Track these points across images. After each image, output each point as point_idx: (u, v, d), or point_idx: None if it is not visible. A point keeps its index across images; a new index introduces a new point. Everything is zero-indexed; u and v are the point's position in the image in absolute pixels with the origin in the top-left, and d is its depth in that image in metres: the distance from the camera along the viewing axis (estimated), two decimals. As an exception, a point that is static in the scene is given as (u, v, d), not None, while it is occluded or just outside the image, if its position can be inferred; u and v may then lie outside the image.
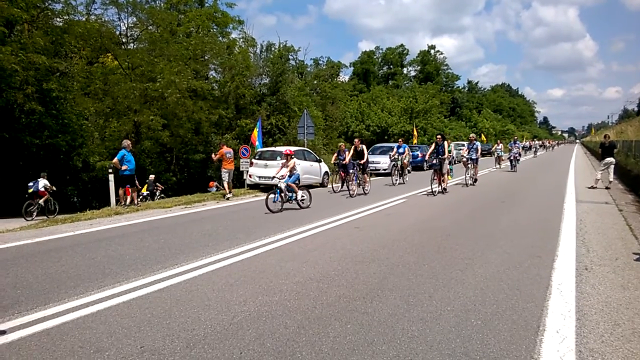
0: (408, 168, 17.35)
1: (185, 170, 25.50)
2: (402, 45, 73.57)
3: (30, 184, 13.97)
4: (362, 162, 12.81)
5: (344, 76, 56.68)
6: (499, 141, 27.89)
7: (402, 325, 3.41)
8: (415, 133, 32.56)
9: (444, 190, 12.44)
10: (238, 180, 16.48)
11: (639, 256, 5.42)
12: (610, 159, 13.76)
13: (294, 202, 9.91)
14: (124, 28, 24.00)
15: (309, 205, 10.09)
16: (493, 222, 7.96)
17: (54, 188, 14.63)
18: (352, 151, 13.00)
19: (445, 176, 12.64)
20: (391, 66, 72.30)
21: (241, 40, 30.49)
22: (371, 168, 21.03)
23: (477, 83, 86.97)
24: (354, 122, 42.57)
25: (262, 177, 14.13)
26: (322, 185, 15.95)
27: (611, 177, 13.77)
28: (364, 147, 13.13)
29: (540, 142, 62.47)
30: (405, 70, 73.97)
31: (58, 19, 18.89)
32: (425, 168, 22.89)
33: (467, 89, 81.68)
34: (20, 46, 15.88)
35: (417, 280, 4.54)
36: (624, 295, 4.11)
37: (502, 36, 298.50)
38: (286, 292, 4.19)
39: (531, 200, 11.16)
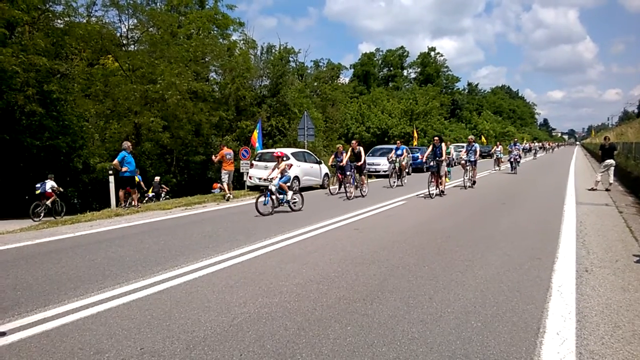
0: (406, 170, 17.21)
1: (185, 171, 25.53)
2: (402, 47, 73.88)
3: (38, 185, 14.05)
4: (359, 164, 12.71)
5: (344, 78, 56.85)
6: (498, 143, 27.85)
7: (402, 327, 3.41)
8: (415, 135, 32.57)
9: (441, 193, 12.30)
10: (238, 182, 16.49)
11: (639, 258, 5.42)
12: (611, 161, 13.75)
13: (285, 204, 9.79)
14: (125, 30, 24.05)
15: (301, 208, 9.97)
16: (493, 224, 7.95)
17: (61, 189, 14.76)
18: (349, 153, 12.92)
19: (443, 179, 12.53)
20: (391, 68, 72.49)
21: (242, 42, 30.58)
22: (371, 170, 21.11)
23: (477, 85, 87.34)
24: (354, 123, 42.64)
25: (262, 178, 14.12)
26: (323, 186, 15.95)
27: (611, 179, 13.76)
28: (362, 149, 13.07)
29: (540, 144, 62.47)
30: (405, 72, 74.25)
31: (59, 21, 18.95)
32: (425, 170, 22.83)
33: (467, 90, 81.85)
34: (21, 48, 15.91)
35: (417, 282, 4.54)
36: (624, 297, 4.11)
37: (502, 38, 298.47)
38: (286, 294, 4.19)
39: (531, 202, 11.15)
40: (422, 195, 12.24)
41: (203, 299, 4.08)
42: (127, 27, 23.96)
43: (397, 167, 15.90)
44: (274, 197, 9.61)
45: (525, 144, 49.56)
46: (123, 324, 3.51)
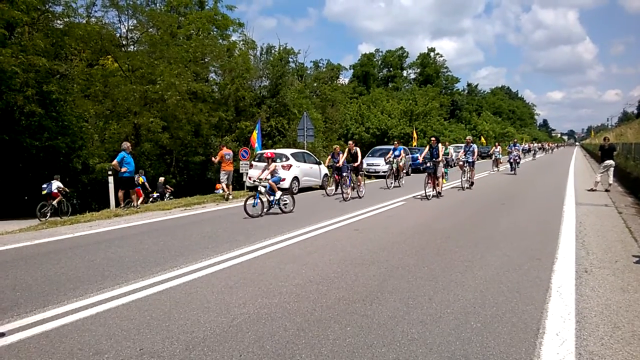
0: (404, 171, 17.07)
1: (184, 172, 25.53)
2: (401, 47, 73.87)
3: (44, 185, 14.15)
4: (355, 164, 12.59)
5: (344, 79, 56.87)
6: (497, 144, 27.81)
7: (402, 327, 3.41)
8: (415, 135, 32.57)
9: (438, 194, 12.11)
10: (237, 182, 16.50)
11: (639, 259, 5.42)
12: (610, 162, 13.75)
13: (275, 206, 9.60)
14: (124, 30, 24.07)
15: (292, 210, 9.75)
16: (493, 225, 7.96)
17: (67, 190, 14.89)
18: (346, 154, 12.80)
19: (440, 180, 12.36)
20: (391, 69, 72.52)
21: (241, 42, 30.59)
22: (370, 170, 21.12)
23: (476, 86, 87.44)
24: (354, 124, 42.65)
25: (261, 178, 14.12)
26: (322, 187, 15.93)
27: (611, 179, 13.77)
28: (358, 149, 12.95)
29: (540, 144, 62.50)
30: (405, 73, 74.24)
31: (58, 22, 18.94)
32: (423, 170, 22.78)
33: (466, 91, 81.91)
34: (21, 48, 15.91)
35: (416, 282, 4.54)
36: (624, 297, 4.11)
37: (502, 39, 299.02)
38: (286, 295, 4.19)
39: (531, 202, 11.15)
40: (420, 196, 12.12)
41: (202, 299, 4.08)
42: (126, 27, 24.02)
43: (394, 168, 15.80)
44: (263, 198, 9.43)
45: (525, 144, 49.55)
46: (122, 324, 3.51)
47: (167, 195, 18.88)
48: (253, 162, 14.89)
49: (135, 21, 23.89)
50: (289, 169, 14.03)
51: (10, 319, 3.61)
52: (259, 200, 9.24)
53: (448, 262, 5.34)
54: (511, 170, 21.43)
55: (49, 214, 13.50)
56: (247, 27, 36.32)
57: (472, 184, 14.76)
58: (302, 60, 42.68)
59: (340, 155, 12.86)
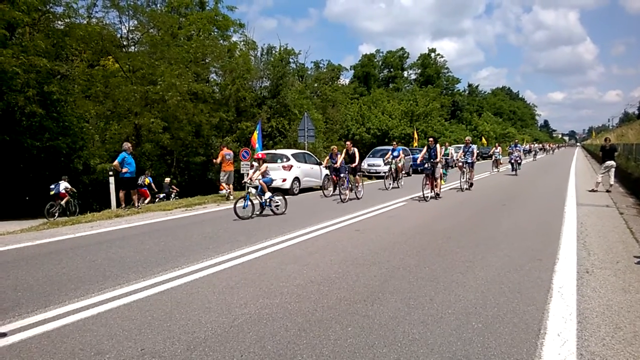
0: (403, 172, 16.93)
1: (185, 172, 25.52)
2: (402, 48, 73.81)
3: (52, 186, 14.34)
4: (353, 165, 12.43)
5: (345, 79, 56.97)
6: (497, 144, 27.74)
7: (403, 328, 3.41)
8: (415, 136, 32.55)
9: (436, 196, 11.98)
10: (238, 183, 16.49)
11: (640, 259, 5.42)
12: (611, 162, 13.75)
13: (267, 208, 9.49)
14: (125, 31, 24.02)
15: (284, 212, 9.61)
16: (494, 225, 7.95)
17: (75, 190, 15.07)
18: (343, 154, 12.69)
19: (439, 181, 12.22)
20: (392, 69, 72.49)
21: (242, 43, 30.62)
22: (371, 171, 21.14)
23: (477, 86, 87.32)
24: (355, 125, 42.62)
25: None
26: (323, 188, 15.92)
27: (612, 180, 13.76)
28: (356, 150, 12.77)
29: (541, 145, 62.43)
30: (405, 74, 74.20)
31: (59, 22, 18.92)
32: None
33: (467, 92, 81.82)
34: (22, 49, 15.91)
35: (417, 283, 4.54)
36: (625, 298, 4.11)
37: (503, 39, 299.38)
38: (287, 295, 4.19)
39: (532, 203, 11.15)
40: (417, 198, 12.00)
41: (204, 299, 4.08)
42: (127, 28, 23.98)
43: (393, 169, 15.69)
44: (254, 200, 9.30)
45: (526, 145, 49.48)
46: (124, 324, 3.51)
47: (173, 196, 18.96)
48: (254, 163, 14.87)
49: (136, 22, 23.87)
50: (289, 170, 14.04)
51: (12, 319, 3.61)
52: (249, 202, 9.10)
53: (449, 262, 5.34)
54: (512, 171, 21.39)
55: (57, 214, 13.67)
56: (248, 28, 36.37)
57: (471, 185, 14.66)
58: (303, 60, 42.63)
59: (339, 155, 12.78)
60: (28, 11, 16.42)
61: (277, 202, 9.62)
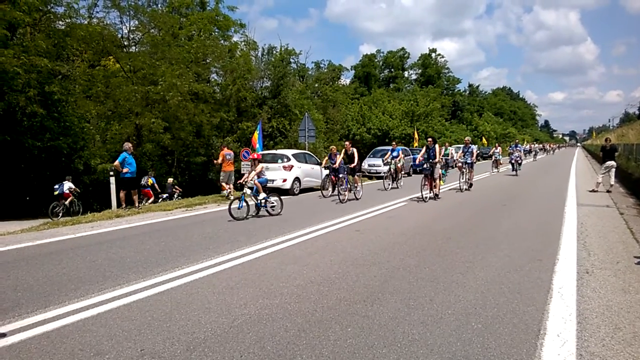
0: (402, 172, 16.81)
1: (186, 173, 25.53)
2: (403, 48, 73.80)
3: (56, 186, 14.50)
4: (352, 165, 12.36)
5: (345, 79, 56.96)
6: (497, 144, 27.67)
7: (403, 328, 3.41)
8: (416, 136, 32.53)
9: (435, 196, 11.87)
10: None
11: (640, 260, 5.41)
12: (612, 163, 13.74)
13: (263, 209, 9.41)
14: (126, 31, 24.03)
15: (279, 213, 9.52)
16: (494, 226, 7.95)
17: (78, 190, 15.16)
18: (342, 154, 12.62)
19: (437, 181, 12.11)
20: (392, 69, 72.48)
21: (243, 43, 30.61)
22: (372, 171, 21.13)
23: (478, 86, 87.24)
24: (355, 125, 42.58)
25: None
26: (324, 188, 15.91)
27: (612, 180, 13.75)
28: (355, 150, 12.71)
29: (541, 145, 62.35)
30: (406, 74, 74.19)
31: (60, 22, 18.93)
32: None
33: (468, 92, 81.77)
34: (23, 49, 15.92)
35: (417, 283, 4.54)
36: (625, 298, 4.10)
37: (503, 40, 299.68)
38: (287, 295, 4.19)
39: (532, 203, 11.14)
40: (416, 198, 11.90)
41: (203, 300, 4.08)
42: (128, 28, 23.99)
43: (392, 169, 15.61)
44: (249, 200, 9.20)
45: (526, 145, 49.40)
46: (123, 325, 3.52)
47: (175, 196, 19.06)
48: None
49: (136, 22, 23.87)
50: (290, 170, 14.04)
51: (12, 320, 3.62)
52: (244, 203, 9.03)
53: (449, 263, 5.34)
54: (512, 171, 21.35)
55: (61, 214, 13.77)
56: (249, 28, 36.28)
57: (470, 185, 14.58)
58: (304, 61, 42.66)
59: (338, 156, 12.72)
60: (29, 11, 16.44)
61: (272, 202, 9.55)
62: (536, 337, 3.27)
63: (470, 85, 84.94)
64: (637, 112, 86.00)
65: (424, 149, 12.35)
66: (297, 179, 14.23)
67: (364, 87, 61.52)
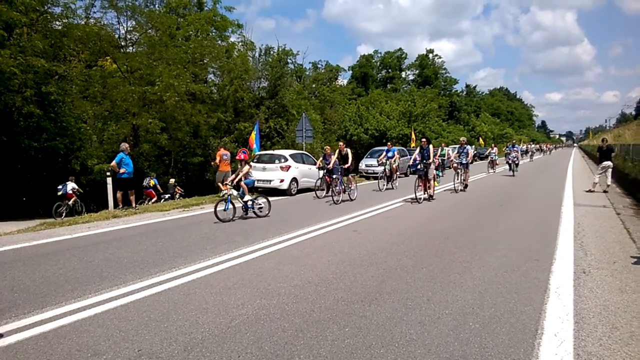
0: (397, 173, 16.67)
1: (183, 173, 25.49)
2: (400, 49, 73.94)
3: (60, 187, 14.60)
4: (346, 166, 12.21)
5: (343, 80, 56.97)
6: (493, 145, 27.69)
7: (400, 328, 3.41)
8: (413, 137, 32.57)
9: (430, 198, 11.71)
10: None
11: (637, 259, 5.44)
12: (608, 163, 13.80)
13: (251, 211, 9.22)
14: (123, 32, 23.96)
15: (267, 214, 9.35)
16: (491, 226, 7.97)
17: (81, 190, 15.30)
18: (336, 155, 12.48)
19: (432, 182, 11.94)
20: (389, 70, 72.61)
21: (240, 43, 30.58)
22: (369, 171, 21.14)
23: (475, 87, 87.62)
24: (353, 125, 42.60)
25: (260, 180, 14.10)
26: (322, 188, 15.89)
27: (609, 180, 13.80)
28: (349, 150, 12.58)
29: (538, 145, 62.48)
30: (403, 74, 74.32)
31: (57, 23, 18.87)
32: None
33: (465, 92, 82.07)
34: (19, 49, 15.85)
35: (415, 283, 4.54)
36: (622, 298, 4.12)
37: (501, 40, 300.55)
38: (284, 296, 4.19)
39: (529, 204, 11.17)
40: (410, 199, 11.77)
41: (201, 300, 4.07)
42: (125, 28, 23.92)
43: (387, 170, 15.49)
44: (236, 202, 9.09)
45: (523, 145, 49.52)
46: (120, 325, 3.51)
47: (177, 197, 19.20)
48: (252, 163, 14.87)
49: (134, 22, 23.81)
50: (287, 170, 14.03)
51: (9, 320, 3.60)
52: (230, 205, 8.92)
53: (446, 263, 5.34)
54: (509, 171, 21.35)
55: (64, 214, 13.85)
56: (246, 28, 36.16)
57: (466, 186, 14.45)
58: (301, 61, 42.89)
59: (332, 156, 12.60)
60: (26, 11, 16.37)
61: (260, 204, 9.39)
62: (533, 336, 3.28)
63: (467, 86, 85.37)
64: (633, 113, 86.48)
65: (417, 150, 12.25)
66: (294, 180, 14.21)
67: (362, 88, 61.60)
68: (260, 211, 9.35)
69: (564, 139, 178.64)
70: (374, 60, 71.50)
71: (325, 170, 12.77)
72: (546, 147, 66.72)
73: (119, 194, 11.43)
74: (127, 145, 11.66)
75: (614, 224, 7.99)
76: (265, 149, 21.05)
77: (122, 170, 11.07)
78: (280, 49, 35.10)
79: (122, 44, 23.87)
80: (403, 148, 25.34)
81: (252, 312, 3.76)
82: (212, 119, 23.44)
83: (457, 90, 77.02)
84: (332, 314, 3.71)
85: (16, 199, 16.71)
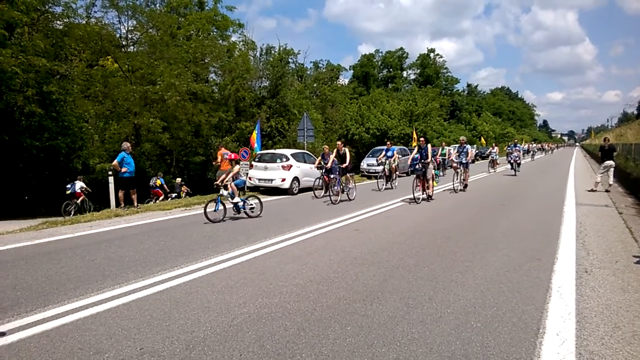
0: (397, 172, 16.44)
1: (185, 172, 25.53)
2: (401, 48, 73.70)
3: (68, 186, 14.90)
4: (344, 165, 12.00)
5: (344, 79, 56.86)
6: (494, 144, 27.62)
7: (402, 327, 3.41)
8: (414, 136, 32.50)
9: (428, 198, 11.53)
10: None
11: (639, 259, 5.42)
12: (610, 162, 13.76)
13: (242, 212, 9.08)
14: (124, 31, 24.04)
15: (259, 215, 9.22)
16: (493, 225, 7.96)
17: (89, 189, 15.43)
18: (334, 154, 12.35)
19: (430, 182, 11.72)
20: (391, 69, 72.43)
21: (241, 43, 30.64)
22: (371, 171, 21.11)
23: (476, 86, 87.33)
24: (354, 125, 42.60)
25: (261, 179, 14.13)
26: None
27: (611, 180, 13.77)
28: (347, 149, 12.43)
29: (540, 145, 62.33)
30: (404, 74, 74.08)
31: (58, 22, 18.92)
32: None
33: (466, 92, 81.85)
34: (21, 49, 15.89)
35: (417, 282, 4.54)
36: (624, 297, 4.11)
37: (502, 40, 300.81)
38: (286, 294, 4.19)
39: (530, 203, 11.15)
40: (408, 200, 11.60)
41: (203, 299, 4.08)
42: (126, 28, 24.00)
43: (386, 169, 15.39)
44: (227, 203, 8.96)
45: (525, 145, 49.42)
46: (123, 324, 3.51)
47: (184, 195, 19.28)
48: (253, 163, 14.89)
49: (135, 22, 23.89)
50: (289, 170, 14.03)
51: (11, 319, 3.61)
52: (220, 205, 8.80)
53: (448, 262, 5.34)
54: (511, 170, 21.26)
55: (72, 212, 14.03)
56: (247, 28, 36.32)
57: (465, 186, 14.27)
58: (302, 60, 42.88)
59: (330, 155, 12.51)
60: (27, 11, 16.41)
61: (252, 204, 9.28)
62: (535, 336, 3.27)
63: (468, 85, 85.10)
64: (635, 112, 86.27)
65: (416, 149, 12.11)
66: (296, 179, 14.21)
67: (363, 87, 61.51)
68: (252, 211, 9.22)
69: (565, 138, 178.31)
70: (375, 60, 71.33)
71: (323, 170, 12.70)
72: (548, 146, 66.56)
73: (120, 193, 11.45)
74: (128, 144, 11.66)
75: (616, 224, 7.98)
76: (267, 148, 21.07)
77: (123, 170, 11.08)
78: (281, 49, 35.13)
79: (123, 43, 23.93)
80: (404, 147, 25.29)
81: (253, 311, 3.76)
82: (213, 118, 23.48)
83: (458, 90, 76.88)
84: (334, 313, 3.71)
85: (18, 198, 16.74)
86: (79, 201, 14.71)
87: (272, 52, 34.85)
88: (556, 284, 4.48)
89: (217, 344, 3.15)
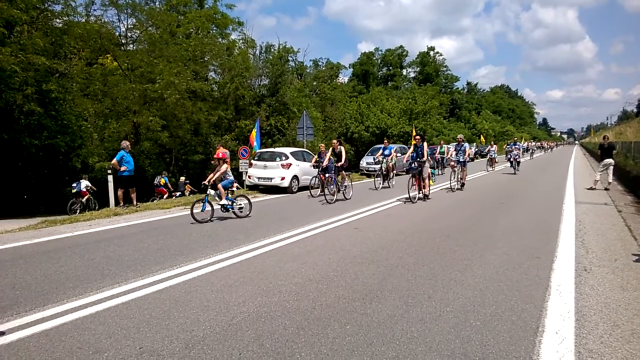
0: (394, 171, 16.40)
1: (184, 171, 25.48)
2: (401, 46, 73.67)
3: (74, 184, 15.26)
4: (339, 164, 11.92)
5: (344, 77, 56.79)
6: (493, 142, 27.57)
7: (401, 326, 3.41)
8: (414, 134, 32.52)
9: (425, 197, 11.38)
10: (237, 181, 16.49)
11: (638, 257, 5.43)
12: (609, 160, 13.77)
13: (231, 211, 8.97)
14: (124, 29, 23.97)
15: (248, 215, 9.08)
16: (492, 224, 7.96)
17: (94, 188, 15.70)
18: (330, 153, 12.24)
19: (427, 181, 11.55)
20: (390, 67, 72.38)
21: (241, 41, 30.51)
22: (370, 169, 21.11)
23: (476, 84, 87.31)
24: (353, 123, 42.55)
25: (261, 177, 14.13)
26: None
27: (610, 178, 13.77)
28: (343, 148, 12.31)
29: (540, 143, 62.30)
30: (404, 72, 74.07)
31: (57, 20, 18.85)
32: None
33: (466, 90, 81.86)
34: (20, 47, 15.84)
35: (416, 281, 4.54)
36: (623, 296, 4.12)
37: (502, 38, 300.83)
38: (285, 293, 4.19)
39: (530, 201, 11.15)
40: (404, 199, 11.43)
41: (202, 298, 4.08)
42: (126, 26, 23.92)
43: (383, 168, 15.32)
44: (214, 203, 8.84)
45: (524, 143, 49.40)
46: (122, 323, 3.51)
47: (188, 194, 19.21)
48: (253, 161, 14.88)
49: (134, 20, 23.80)
50: (288, 168, 14.02)
51: (10, 318, 3.61)
52: (207, 205, 8.63)
53: (447, 260, 5.34)
54: (511, 168, 21.23)
55: (78, 211, 14.27)
56: (247, 26, 36.27)
57: (463, 185, 14.08)
58: (302, 59, 42.65)
59: (326, 154, 12.41)
60: (26, 9, 16.37)
61: (240, 205, 9.12)
62: (535, 334, 3.28)
63: (468, 83, 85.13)
64: (635, 110, 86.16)
65: (412, 148, 11.93)
66: (295, 177, 14.20)
67: (362, 85, 61.49)
68: (241, 211, 9.07)
69: (565, 136, 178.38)
70: (374, 58, 71.29)
71: (319, 169, 12.58)
72: (547, 144, 66.57)
73: (120, 192, 11.44)
74: (128, 143, 11.66)
75: (615, 222, 7.98)
76: (266, 147, 21.04)
77: (123, 168, 11.08)
78: (280, 47, 35.01)
79: (123, 41, 23.88)
80: (403, 146, 25.26)
81: (253, 310, 3.77)
82: (212, 116, 23.44)
83: (458, 88, 76.84)
84: (333, 312, 3.71)
85: (17, 197, 16.73)
86: (84, 200, 14.98)
87: (272, 50, 34.76)
88: (555, 282, 4.48)
89: (216, 342, 3.15)
